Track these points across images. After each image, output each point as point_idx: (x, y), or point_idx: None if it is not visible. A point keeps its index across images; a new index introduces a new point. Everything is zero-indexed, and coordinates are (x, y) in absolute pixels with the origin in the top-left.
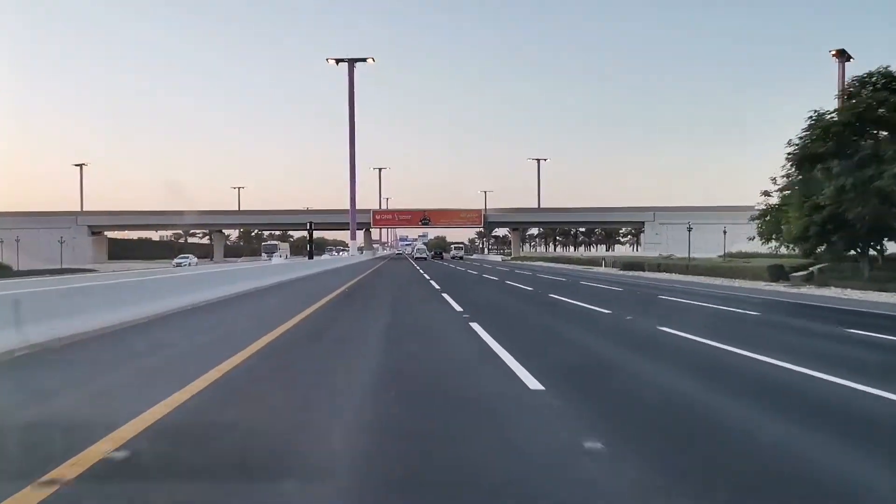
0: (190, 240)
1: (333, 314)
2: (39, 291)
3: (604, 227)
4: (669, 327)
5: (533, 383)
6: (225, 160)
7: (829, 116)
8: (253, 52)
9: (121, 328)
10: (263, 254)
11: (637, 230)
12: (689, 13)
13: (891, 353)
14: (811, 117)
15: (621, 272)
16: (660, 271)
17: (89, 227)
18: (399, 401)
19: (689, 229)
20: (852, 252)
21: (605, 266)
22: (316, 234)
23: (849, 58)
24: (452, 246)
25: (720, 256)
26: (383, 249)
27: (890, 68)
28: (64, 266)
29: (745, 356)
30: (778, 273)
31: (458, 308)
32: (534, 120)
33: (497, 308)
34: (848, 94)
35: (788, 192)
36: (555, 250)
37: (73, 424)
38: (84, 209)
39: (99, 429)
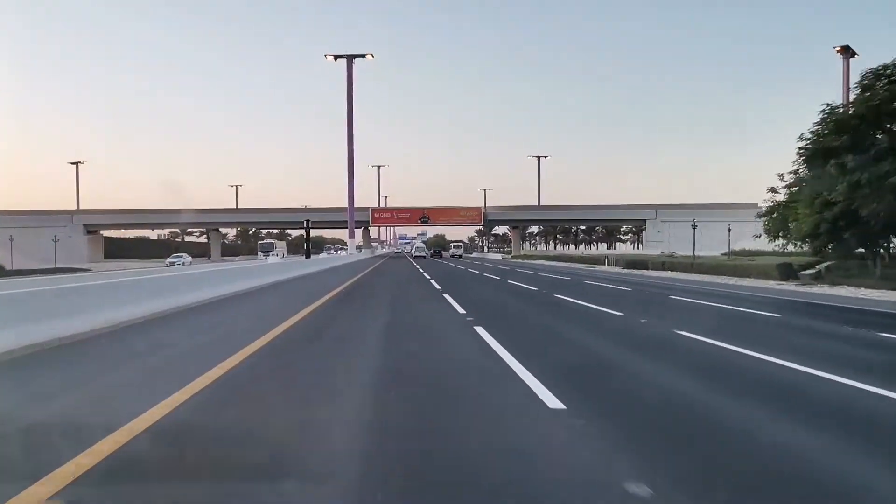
0: (187, 238)
1: (332, 313)
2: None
3: (605, 225)
4: (688, 331)
5: (552, 401)
6: (224, 160)
7: (841, 110)
8: (252, 51)
9: (91, 335)
10: (259, 252)
11: (638, 228)
12: (689, 13)
13: None
14: (823, 111)
15: (625, 271)
16: (664, 270)
17: (84, 225)
18: (397, 413)
19: (694, 227)
20: (860, 249)
21: (609, 264)
22: (315, 232)
23: (853, 54)
24: (451, 244)
25: (724, 254)
26: (382, 248)
27: None
28: (58, 265)
29: (785, 366)
30: (787, 271)
31: (460, 310)
32: (534, 119)
33: (501, 310)
34: (862, 87)
35: (796, 188)
36: (555, 248)
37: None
38: (81, 208)
39: (97, 429)
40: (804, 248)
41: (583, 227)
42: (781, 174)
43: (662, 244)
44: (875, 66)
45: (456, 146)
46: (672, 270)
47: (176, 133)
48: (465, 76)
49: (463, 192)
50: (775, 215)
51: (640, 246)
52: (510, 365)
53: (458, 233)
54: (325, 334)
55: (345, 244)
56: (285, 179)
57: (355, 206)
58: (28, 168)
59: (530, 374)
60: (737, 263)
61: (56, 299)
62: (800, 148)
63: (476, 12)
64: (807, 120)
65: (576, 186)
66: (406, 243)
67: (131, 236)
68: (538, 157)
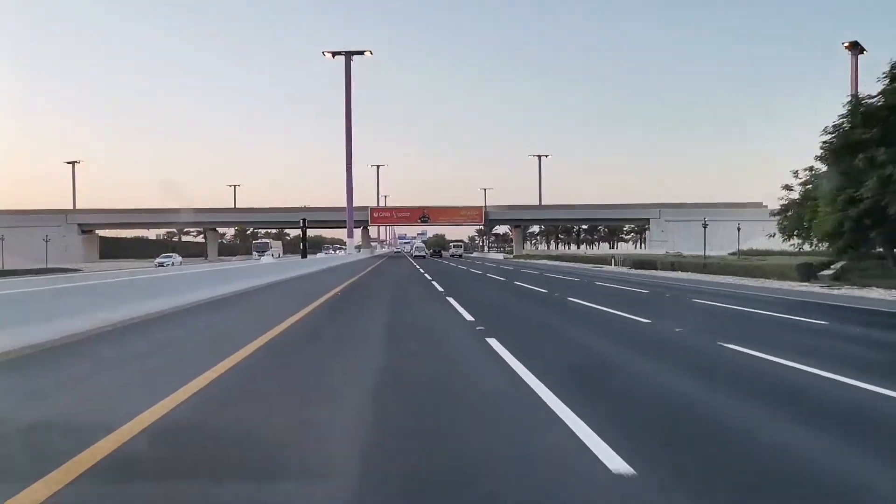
0: (184, 238)
1: (323, 322)
2: None
3: (608, 225)
4: (737, 344)
5: (614, 461)
6: (224, 159)
7: (868, 101)
8: (252, 51)
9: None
10: (254, 252)
11: (641, 227)
12: (689, 13)
13: None
14: (849, 102)
15: (632, 271)
16: (674, 270)
17: (79, 225)
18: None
19: (705, 226)
20: (878, 249)
21: (615, 265)
22: (314, 232)
23: (862, 50)
24: (451, 244)
25: (731, 254)
26: (382, 248)
27: None
28: (49, 265)
29: (879, 394)
30: (807, 272)
31: (467, 317)
32: (534, 119)
33: (513, 316)
34: (891, 76)
35: (810, 185)
36: (556, 248)
37: None
38: (77, 207)
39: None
40: (821, 248)
41: (584, 227)
42: (796, 171)
43: (667, 244)
44: None
45: (456, 146)
46: (682, 271)
47: (175, 133)
48: (465, 76)
49: (463, 191)
50: (790, 213)
51: (643, 245)
52: (538, 392)
53: (459, 232)
54: (323, 336)
55: (344, 244)
56: (284, 179)
57: (354, 205)
58: (28, 168)
59: (569, 410)
60: (751, 264)
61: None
62: (824, 142)
63: (476, 12)
64: (807, 120)
65: (575, 186)
66: (406, 243)
67: (129, 236)
68: (539, 157)
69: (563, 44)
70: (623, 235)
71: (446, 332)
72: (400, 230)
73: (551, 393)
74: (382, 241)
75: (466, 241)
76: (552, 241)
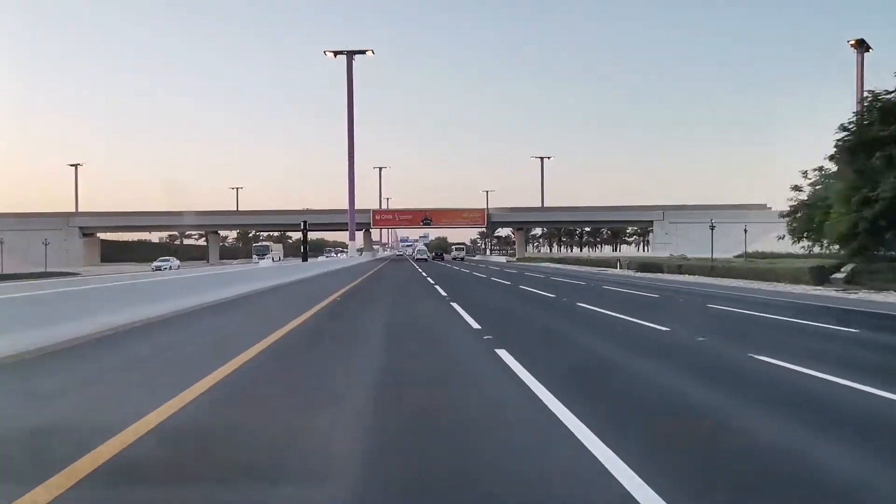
0: (186, 241)
1: (321, 328)
2: None
3: (611, 227)
4: (768, 356)
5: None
6: (225, 160)
7: (885, 97)
8: (252, 51)
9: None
10: (254, 256)
11: (644, 230)
12: (689, 13)
13: None
14: (866, 98)
15: (637, 274)
16: (681, 273)
17: (80, 228)
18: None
19: (713, 228)
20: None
21: (621, 268)
22: (316, 235)
23: (868, 48)
24: (453, 247)
25: (737, 256)
26: (384, 251)
27: None
28: (49, 269)
29: None
30: (820, 275)
31: (474, 325)
32: (534, 119)
33: (522, 324)
34: None
35: (820, 186)
36: (559, 251)
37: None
38: (80, 210)
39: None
40: (832, 251)
41: (587, 229)
42: (805, 171)
43: (671, 246)
44: None
45: (456, 147)
46: (689, 274)
47: (176, 133)
48: (465, 76)
49: (464, 193)
50: (800, 215)
51: (647, 248)
52: (563, 420)
53: (461, 235)
54: (320, 341)
55: (346, 247)
56: (285, 180)
57: (356, 207)
58: (28, 169)
59: (601, 444)
60: (760, 267)
61: None
62: (838, 139)
63: (476, 12)
64: (808, 120)
65: (576, 186)
66: (408, 246)
67: (132, 239)
68: (541, 158)
69: (563, 44)
70: (626, 238)
71: (452, 342)
72: (402, 233)
73: (570, 412)
74: (385, 244)
75: (468, 243)
76: (554, 244)
